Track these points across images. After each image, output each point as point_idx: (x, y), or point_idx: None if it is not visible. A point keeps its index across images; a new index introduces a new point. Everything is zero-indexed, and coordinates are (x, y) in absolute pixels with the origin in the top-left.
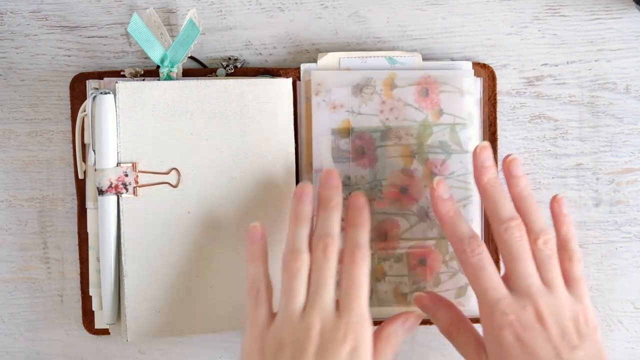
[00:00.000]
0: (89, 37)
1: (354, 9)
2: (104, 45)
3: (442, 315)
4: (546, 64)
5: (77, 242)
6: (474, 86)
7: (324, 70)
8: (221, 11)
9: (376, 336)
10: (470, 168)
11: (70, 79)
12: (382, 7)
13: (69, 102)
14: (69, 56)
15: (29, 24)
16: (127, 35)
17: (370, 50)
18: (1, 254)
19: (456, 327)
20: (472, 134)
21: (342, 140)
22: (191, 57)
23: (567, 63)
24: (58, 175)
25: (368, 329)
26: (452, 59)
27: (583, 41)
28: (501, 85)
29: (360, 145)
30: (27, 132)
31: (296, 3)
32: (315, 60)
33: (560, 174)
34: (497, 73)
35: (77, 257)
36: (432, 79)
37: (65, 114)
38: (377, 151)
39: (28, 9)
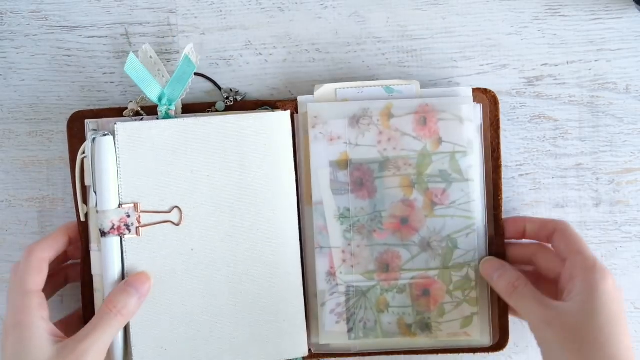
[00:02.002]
0: (89, 37)
1: (354, 9)
2: (104, 45)
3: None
4: (546, 64)
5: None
6: (474, 113)
7: (321, 102)
8: (221, 11)
9: None
10: (473, 196)
11: (70, 79)
12: (382, 7)
13: (69, 103)
14: (69, 56)
15: (29, 24)
16: (127, 35)
17: (370, 51)
18: (1, 254)
19: (522, 281)
20: (473, 162)
21: (341, 172)
22: (199, 75)
23: (567, 63)
24: (58, 175)
25: None
26: (450, 82)
27: (583, 41)
28: (501, 85)
29: (359, 177)
30: (27, 132)
31: (296, 3)
32: (315, 60)
33: (560, 174)
34: (497, 73)
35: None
36: (429, 108)
37: (65, 114)
38: (376, 182)
39: (28, 9)
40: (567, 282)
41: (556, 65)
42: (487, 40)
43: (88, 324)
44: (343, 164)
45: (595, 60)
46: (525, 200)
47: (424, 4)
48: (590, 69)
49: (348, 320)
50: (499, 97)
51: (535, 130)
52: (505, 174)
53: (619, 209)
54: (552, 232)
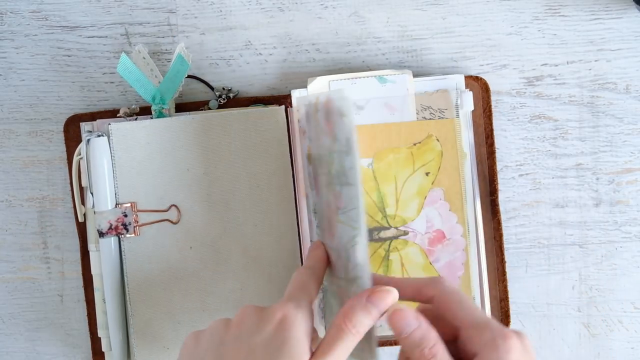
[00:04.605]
0: (89, 37)
1: (354, 9)
2: (104, 45)
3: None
4: (546, 64)
5: (80, 256)
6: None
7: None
8: (221, 11)
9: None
10: (355, 203)
11: (70, 79)
12: (382, 7)
13: (69, 103)
14: (69, 56)
15: (29, 24)
16: (127, 35)
17: (370, 51)
18: (1, 254)
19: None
20: (352, 164)
21: (309, 167)
22: (191, 76)
23: (567, 63)
24: (58, 175)
25: (300, 309)
26: (444, 74)
27: (583, 41)
28: (501, 85)
29: (315, 173)
30: (27, 132)
31: (296, 3)
32: (315, 60)
33: (560, 174)
34: (497, 73)
35: (78, 257)
36: (330, 102)
37: (65, 114)
38: (320, 179)
39: (28, 9)
40: (471, 354)
41: (556, 65)
42: (487, 40)
43: (324, 342)
44: (309, 158)
45: (595, 60)
46: (525, 200)
47: (424, 4)
48: (590, 69)
49: (323, 317)
50: (499, 97)
51: (535, 130)
52: (505, 174)
53: (619, 209)
54: (430, 297)
